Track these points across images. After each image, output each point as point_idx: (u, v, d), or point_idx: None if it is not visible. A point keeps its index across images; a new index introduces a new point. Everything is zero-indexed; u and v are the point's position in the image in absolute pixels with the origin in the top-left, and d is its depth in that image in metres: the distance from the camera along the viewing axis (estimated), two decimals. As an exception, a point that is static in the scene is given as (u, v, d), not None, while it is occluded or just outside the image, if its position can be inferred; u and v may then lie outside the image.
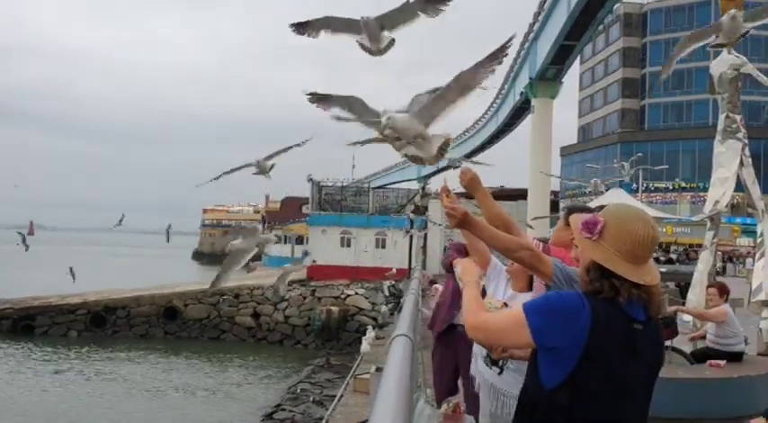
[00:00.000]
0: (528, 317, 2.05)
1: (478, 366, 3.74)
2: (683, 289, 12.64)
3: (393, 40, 4.05)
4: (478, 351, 3.73)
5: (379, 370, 4.31)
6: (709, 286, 7.55)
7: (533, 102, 32.22)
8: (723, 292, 7.07)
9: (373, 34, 4.00)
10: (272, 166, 6.66)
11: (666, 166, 46.98)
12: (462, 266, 2.62)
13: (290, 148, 6.71)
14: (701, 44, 8.57)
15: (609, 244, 2.08)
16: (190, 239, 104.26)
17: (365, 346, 12.67)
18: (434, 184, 53.08)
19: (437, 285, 18.32)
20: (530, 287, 3.63)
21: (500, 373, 3.53)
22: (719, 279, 9.09)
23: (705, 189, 11.50)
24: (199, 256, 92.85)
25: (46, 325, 26.64)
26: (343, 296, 27.70)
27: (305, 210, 44.01)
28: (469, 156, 55.22)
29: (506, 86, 38.67)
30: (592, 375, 2.01)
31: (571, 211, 3.30)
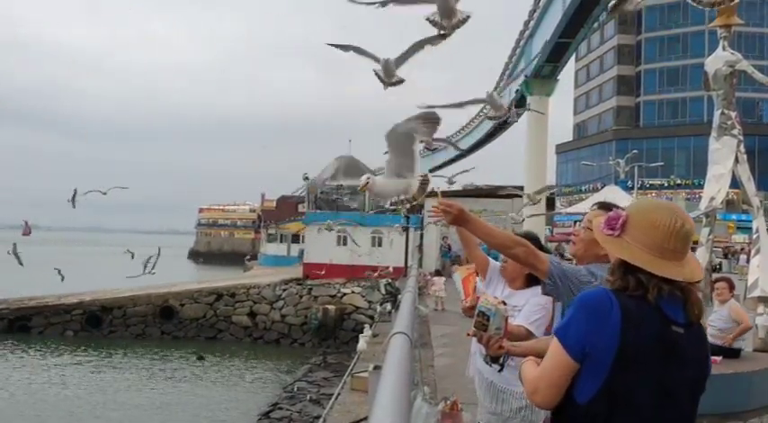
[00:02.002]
0: (560, 339, 1.90)
1: (477, 365, 3.75)
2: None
3: (469, 16, 3.85)
4: (476, 350, 3.74)
5: (377, 368, 4.31)
6: (717, 281, 7.60)
7: (529, 99, 32.27)
8: (732, 287, 7.19)
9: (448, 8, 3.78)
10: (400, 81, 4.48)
11: (662, 163, 47.04)
12: (529, 346, 2.45)
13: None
14: None
15: (632, 238, 1.93)
16: (186, 239, 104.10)
17: (362, 343, 12.66)
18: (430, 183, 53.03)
19: (435, 278, 18.46)
20: (527, 284, 3.64)
21: (500, 370, 3.54)
22: (715, 275, 9.14)
23: (700, 186, 11.52)
24: (195, 255, 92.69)
25: (42, 325, 26.57)
26: (339, 295, 27.69)
27: (301, 208, 43.98)
28: (465, 154, 55.46)
29: (502, 84, 38.70)
30: (629, 380, 1.84)
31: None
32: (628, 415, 1.85)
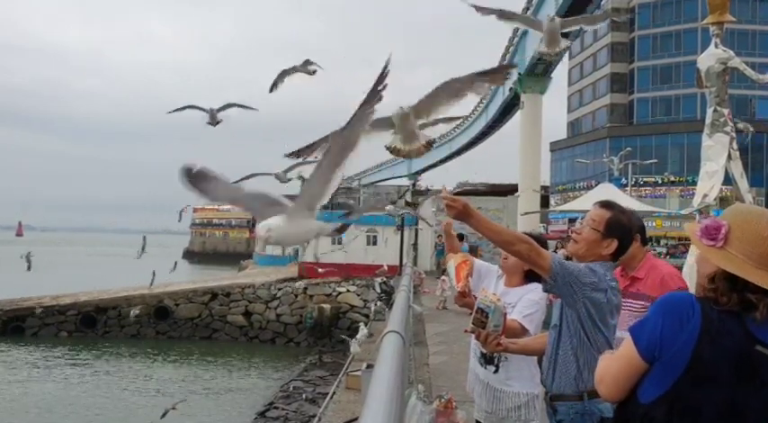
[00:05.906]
0: (633, 337, 1.84)
1: (472, 367, 3.76)
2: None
3: (568, 46, 4.95)
4: (473, 353, 3.74)
5: (369, 367, 4.30)
6: None
7: (522, 97, 32.30)
8: None
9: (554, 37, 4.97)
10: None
11: (655, 161, 47.16)
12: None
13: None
14: None
15: (736, 250, 1.79)
16: (180, 238, 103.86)
17: (354, 347, 12.36)
18: (425, 181, 53.16)
19: (443, 277, 18.46)
20: (524, 281, 3.64)
21: (495, 371, 3.55)
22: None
23: (694, 183, 11.54)
24: (189, 255, 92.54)
25: (36, 326, 26.47)
26: (334, 294, 27.67)
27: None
28: (459, 152, 55.48)
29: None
30: (696, 394, 1.74)
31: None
32: None
